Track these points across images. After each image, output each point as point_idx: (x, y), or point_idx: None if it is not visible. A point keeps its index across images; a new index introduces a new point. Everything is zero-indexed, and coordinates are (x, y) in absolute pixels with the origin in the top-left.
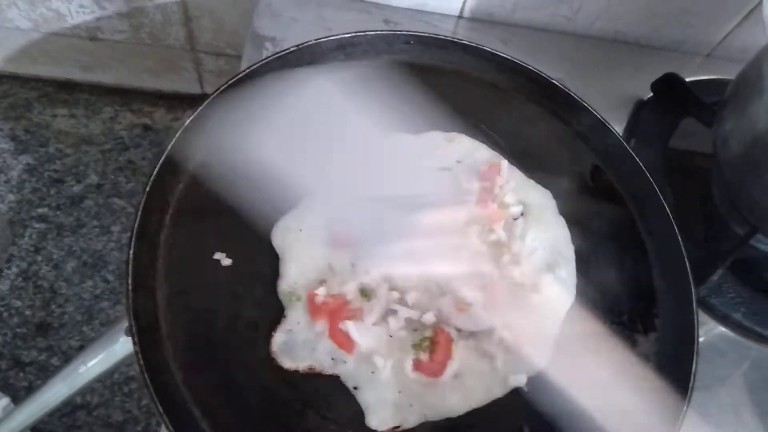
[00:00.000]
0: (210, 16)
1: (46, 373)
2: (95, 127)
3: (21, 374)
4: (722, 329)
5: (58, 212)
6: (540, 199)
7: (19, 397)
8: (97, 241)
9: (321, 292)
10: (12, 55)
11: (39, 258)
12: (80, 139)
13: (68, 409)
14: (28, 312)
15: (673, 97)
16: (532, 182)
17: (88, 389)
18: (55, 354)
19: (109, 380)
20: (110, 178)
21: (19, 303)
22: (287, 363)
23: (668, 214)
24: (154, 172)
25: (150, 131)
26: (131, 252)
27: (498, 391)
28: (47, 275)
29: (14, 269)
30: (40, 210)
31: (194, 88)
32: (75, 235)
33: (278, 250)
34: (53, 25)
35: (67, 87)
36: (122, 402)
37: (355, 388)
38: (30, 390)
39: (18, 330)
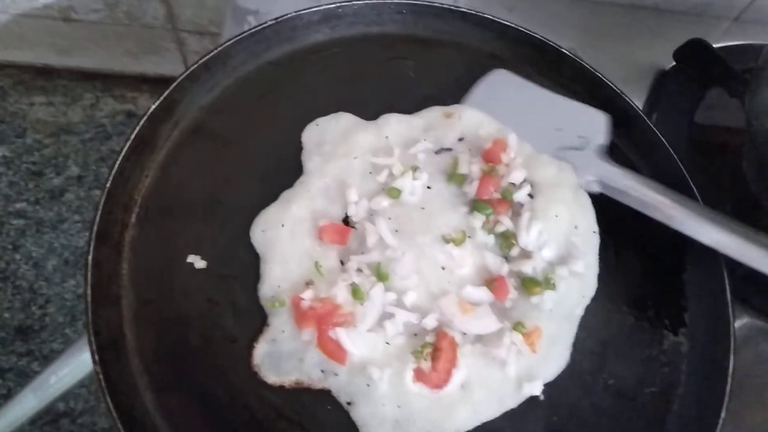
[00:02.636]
0: None
1: (26, 380)
2: (75, 115)
3: (0, 381)
4: (755, 322)
5: (38, 207)
6: (554, 175)
7: None
8: (79, 237)
9: (307, 295)
10: None
11: (17, 256)
12: (59, 129)
13: (50, 416)
14: (6, 314)
15: (698, 66)
16: (544, 156)
17: (72, 395)
18: (36, 359)
19: (94, 386)
20: (92, 169)
21: None
22: (271, 377)
23: (695, 194)
24: (117, 165)
25: (134, 118)
26: (90, 257)
27: (511, 402)
28: (26, 274)
29: None
30: (18, 205)
31: (179, 71)
32: (56, 231)
33: (258, 249)
34: (23, 5)
35: (44, 73)
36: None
37: (348, 403)
38: (9, 398)
39: None
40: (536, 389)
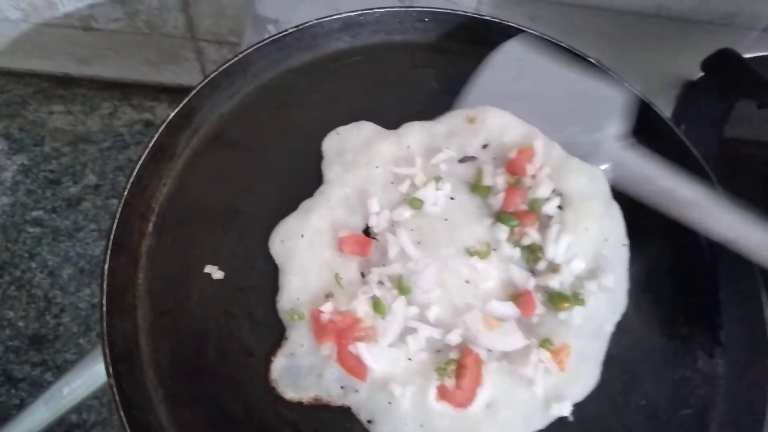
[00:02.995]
0: (209, 1)
1: (40, 390)
2: (93, 124)
3: (13, 391)
4: None
5: (54, 215)
6: (585, 185)
7: (10, 416)
8: (95, 246)
9: (327, 308)
10: (3, 49)
11: (33, 265)
12: (77, 137)
13: (62, 428)
14: (21, 323)
15: (727, 76)
16: (576, 161)
17: (84, 406)
18: (50, 369)
19: (107, 397)
20: (109, 178)
21: (11, 314)
22: (289, 393)
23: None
24: (134, 173)
25: (152, 127)
26: (106, 266)
27: (538, 423)
28: (42, 283)
29: (6, 277)
30: (34, 213)
31: (197, 80)
32: (72, 239)
33: (277, 260)
34: (44, 15)
35: (64, 82)
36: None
37: (369, 421)
38: (22, 408)
39: (10, 343)
40: (565, 410)
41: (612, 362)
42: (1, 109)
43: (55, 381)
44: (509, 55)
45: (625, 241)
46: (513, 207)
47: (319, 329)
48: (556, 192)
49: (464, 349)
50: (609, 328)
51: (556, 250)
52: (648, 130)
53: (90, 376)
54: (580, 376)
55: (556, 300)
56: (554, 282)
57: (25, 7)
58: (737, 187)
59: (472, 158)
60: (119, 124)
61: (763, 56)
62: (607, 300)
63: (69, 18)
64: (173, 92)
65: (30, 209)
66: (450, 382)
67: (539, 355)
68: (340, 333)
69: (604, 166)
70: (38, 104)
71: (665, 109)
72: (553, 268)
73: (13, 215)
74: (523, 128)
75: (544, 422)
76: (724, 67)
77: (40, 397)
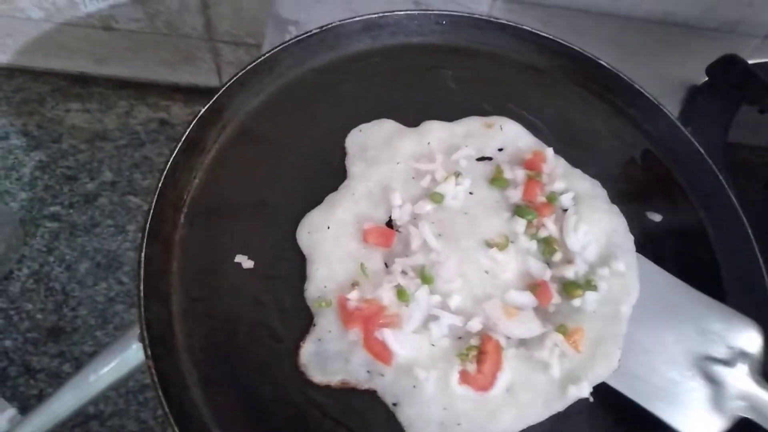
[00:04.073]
0: (229, 2)
1: (57, 381)
2: (110, 122)
3: (32, 382)
4: None
5: (71, 211)
6: (589, 188)
7: (29, 406)
8: (112, 240)
9: (353, 296)
10: (24, 48)
11: (51, 259)
12: (94, 135)
13: (80, 419)
14: (39, 316)
15: (732, 81)
16: (578, 171)
17: (101, 398)
18: (67, 360)
19: (124, 388)
20: (125, 174)
21: (30, 306)
22: (318, 377)
23: (735, 206)
24: (167, 166)
25: (167, 126)
26: (142, 254)
27: (557, 405)
28: (59, 277)
29: (25, 270)
30: (52, 208)
31: (212, 81)
32: (89, 234)
33: (304, 251)
34: (66, 14)
35: (81, 81)
36: (137, 412)
37: (394, 404)
38: (41, 398)
39: (28, 335)
40: (583, 391)
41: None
42: (19, 106)
43: (82, 369)
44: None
45: (630, 236)
46: (533, 197)
47: (347, 316)
48: (568, 189)
49: (484, 336)
50: (626, 310)
51: (575, 236)
52: (659, 131)
53: (115, 364)
54: (597, 359)
55: (569, 288)
56: (569, 272)
57: (48, 6)
58: (739, 191)
59: (489, 158)
60: (135, 123)
61: (766, 62)
62: (620, 284)
63: (90, 18)
64: (188, 92)
65: (48, 204)
66: (471, 367)
67: (554, 339)
68: (367, 319)
69: (739, 403)
70: (56, 102)
71: (672, 111)
72: (568, 259)
73: (32, 210)
74: (534, 140)
75: (563, 404)
76: (728, 72)
77: (66, 384)
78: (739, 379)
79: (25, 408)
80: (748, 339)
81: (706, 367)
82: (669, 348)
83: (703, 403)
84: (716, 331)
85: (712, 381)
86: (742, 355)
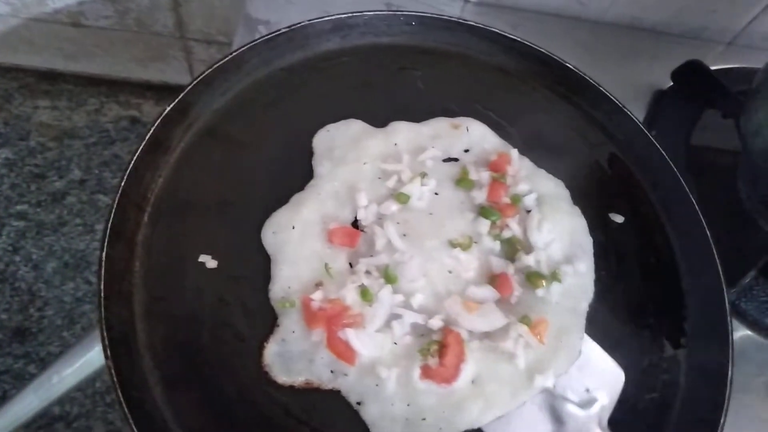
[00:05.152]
0: (200, 1)
1: (22, 382)
2: (79, 120)
3: None
4: (752, 335)
5: (39, 209)
6: (553, 189)
7: None
8: (80, 240)
9: (317, 296)
10: None
11: (17, 258)
12: (63, 132)
13: (45, 420)
14: (4, 316)
15: (695, 86)
16: (542, 171)
17: (67, 398)
18: (33, 361)
19: (90, 389)
20: (94, 173)
21: None
22: (281, 377)
23: (695, 207)
24: (131, 165)
25: (138, 124)
26: (104, 254)
27: (525, 395)
28: (26, 276)
29: None
30: (19, 207)
31: (184, 79)
32: (56, 233)
33: (269, 251)
34: (34, 10)
35: (50, 77)
36: (104, 413)
37: (358, 403)
38: (4, 400)
39: None
40: (548, 381)
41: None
42: None
43: (45, 370)
44: None
45: (589, 235)
46: (497, 198)
47: (310, 316)
48: (531, 190)
49: (445, 329)
50: (584, 305)
51: (539, 234)
52: (623, 134)
53: (79, 365)
54: (561, 350)
55: (533, 278)
56: (530, 261)
57: (15, 2)
58: (701, 192)
59: (455, 159)
60: (105, 120)
61: (728, 68)
62: (580, 284)
63: (58, 14)
64: (159, 90)
65: (14, 203)
66: (433, 361)
67: (518, 330)
68: (330, 320)
69: None
70: (23, 99)
71: (638, 115)
72: (531, 252)
73: None
74: (500, 141)
75: (530, 394)
76: (692, 77)
77: (29, 385)
78: (583, 423)
79: None
80: (607, 385)
81: (557, 404)
82: None
83: None
84: (580, 374)
85: (558, 419)
86: (593, 401)
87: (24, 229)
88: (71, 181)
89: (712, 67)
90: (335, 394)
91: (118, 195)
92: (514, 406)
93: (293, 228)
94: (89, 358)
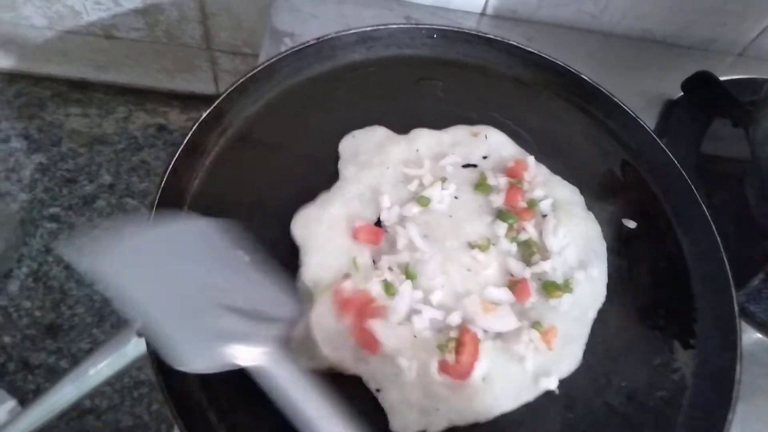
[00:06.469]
0: (227, 14)
1: (54, 376)
2: (108, 127)
3: (29, 377)
4: (761, 337)
5: (70, 212)
6: (568, 195)
7: (26, 400)
8: None
9: (347, 286)
10: (26, 54)
11: (50, 258)
12: (93, 139)
13: (76, 413)
14: (37, 313)
15: (705, 97)
16: (558, 178)
17: (97, 392)
18: (65, 356)
19: (119, 384)
20: (123, 178)
21: (28, 304)
22: (308, 362)
23: (705, 213)
24: (169, 167)
25: (164, 131)
26: None
27: (528, 395)
28: (58, 276)
29: (24, 269)
30: (51, 210)
31: (209, 89)
32: (87, 235)
33: (298, 241)
34: (68, 23)
35: (81, 86)
36: (132, 407)
37: (377, 390)
38: (38, 393)
39: (27, 332)
40: (552, 384)
41: (597, 347)
42: (20, 110)
43: (81, 363)
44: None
45: (603, 240)
46: (514, 202)
47: (341, 304)
48: (547, 196)
49: (463, 328)
50: (592, 314)
51: (555, 239)
52: (636, 142)
53: (114, 357)
54: (564, 356)
55: (549, 288)
56: (548, 267)
57: (52, 15)
58: (711, 198)
59: (474, 165)
60: (133, 128)
61: (737, 79)
62: (591, 289)
63: (92, 26)
64: (185, 99)
65: (47, 206)
66: (450, 357)
67: (530, 335)
68: (359, 309)
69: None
70: (56, 107)
71: (648, 124)
72: (547, 258)
73: (31, 211)
74: (517, 149)
75: (533, 394)
76: (701, 88)
77: (66, 376)
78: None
79: (23, 402)
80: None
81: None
82: None
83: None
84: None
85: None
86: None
87: (56, 230)
88: (101, 186)
89: (722, 78)
90: (356, 380)
91: (158, 194)
92: (517, 406)
93: (321, 223)
94: (124, 351)
